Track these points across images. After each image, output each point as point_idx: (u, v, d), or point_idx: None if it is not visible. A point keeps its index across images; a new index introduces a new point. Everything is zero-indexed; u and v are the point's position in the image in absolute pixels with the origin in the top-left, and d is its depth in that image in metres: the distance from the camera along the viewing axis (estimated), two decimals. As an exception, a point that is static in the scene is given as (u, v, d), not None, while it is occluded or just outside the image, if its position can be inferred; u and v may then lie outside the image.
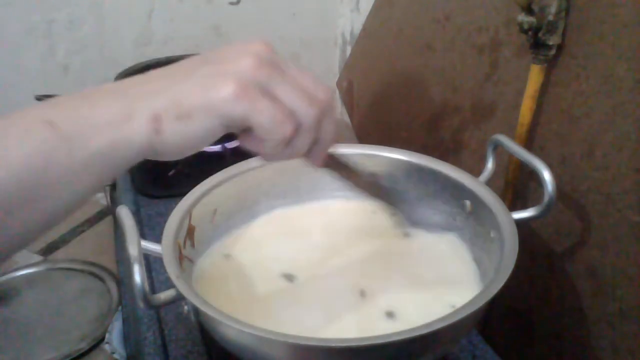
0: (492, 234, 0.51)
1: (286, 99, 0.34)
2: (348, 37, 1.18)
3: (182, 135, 0.32)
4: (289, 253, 0.58)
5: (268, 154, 0.36)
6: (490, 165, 0.58)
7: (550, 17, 0.53)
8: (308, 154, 0.39)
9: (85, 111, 0.32)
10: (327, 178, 0.64)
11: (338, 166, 0.46)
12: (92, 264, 0.89)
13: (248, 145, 0.35)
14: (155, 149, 0.33)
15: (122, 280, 0.78)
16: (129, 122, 0.32)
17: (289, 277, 0.53)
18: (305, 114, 0.34)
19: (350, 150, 0.64)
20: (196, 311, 0.42)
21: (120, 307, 0.74)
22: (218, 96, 0.31)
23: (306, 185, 0.64)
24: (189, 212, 0.53)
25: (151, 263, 0.66)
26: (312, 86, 0.36)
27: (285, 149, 0.35)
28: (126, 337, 0.69)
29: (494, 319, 0.66)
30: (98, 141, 0.32)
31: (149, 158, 0.34)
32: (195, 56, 0.35)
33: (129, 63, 0.95)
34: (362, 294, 0.51)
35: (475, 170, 0.58)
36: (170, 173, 0.82)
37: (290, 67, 0.36)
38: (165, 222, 0.50)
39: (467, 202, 0.56)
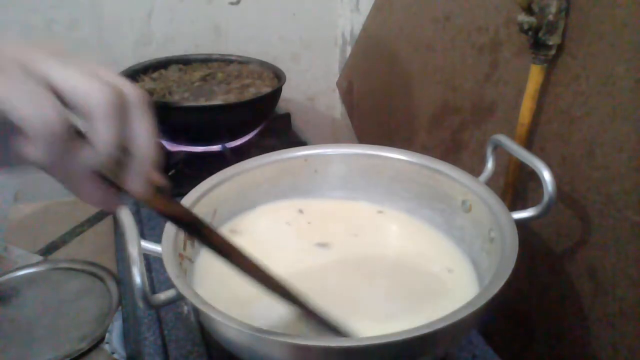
0: (492, 234, 0.51)
1: (60, 78, 0.26)
2: (348, 37, 1.18)
3: None
4: (290, 252, 0.58)
5: (44, 159, 0.27)
6: (490, 165, 0.58)
7: (550, 17, 0.53)
8: (120, 174, 0.30)
9: None
10: (327, 178, 0.65)
11: (177, 213, 0.35)
12: (92, 264, 0.89)
13: (18, 148, 0.26)
14: None
15: (122, 280, 0.78)
16: None
17: (290, 277, 0.53)
18: (91, 96, 0.27)
19: (350, 150, 0.64)
20: (196, 311, 0.42)
21: (120, 307, 0.74)
22: None
23: (306, 184, 0.64)
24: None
25: (151, 263, 0.66)
26: (109, 75, 0.29)
27: (77, 154, 0.27)
28: (126, 337, 0.69)
29: (494, 319, 0.66)
30: None
31: None
32: None
33: (129, 63, 0.95)
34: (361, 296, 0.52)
35: (475, 170, 0.58)
36: (170, 173, 0.82)
37: (82, 58, 0.29)
38: (165, 222, 0.50)
39: (467, 202, 0.56)
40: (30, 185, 1.05)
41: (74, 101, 0.27)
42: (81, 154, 0.28)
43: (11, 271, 0.88)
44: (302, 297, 0.42)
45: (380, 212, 0.63)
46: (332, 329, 0.43)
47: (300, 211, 0.63)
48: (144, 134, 0.29)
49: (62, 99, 0.27)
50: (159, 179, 0.32)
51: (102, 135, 0.27)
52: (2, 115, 0.26)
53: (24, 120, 0.25)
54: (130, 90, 0.29)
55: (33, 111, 0.25)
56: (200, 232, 0.37)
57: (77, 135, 0.28)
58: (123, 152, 0.29)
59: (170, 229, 0.50)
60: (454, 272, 0.54)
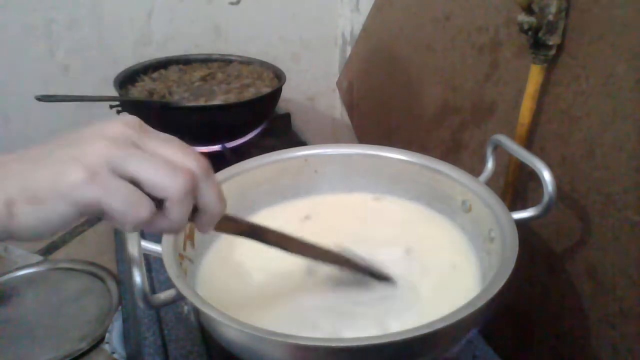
0: (492, 234, 0.51)
1: (143, 175, 0.32)
2: (348, 37, 1.18)
3: (36, 220, 0.31)
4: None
5: (134, 229, 0.34)
6: (490, 165, 0.58)
7: (550, 17, 0.53)
8: (194, 223, 0.37)
9: None
10: (327, 178, 0.65)
11: (240, 229, 0.43)
12: (92, 264, 0.89)
13: (114, 225, 0.33)
14: (10, 231, 0.31)
15: (122, 280, 0.78)
16: None
17: (290, 277, 0.53)
18: (167, 187, 0.32)
19: (350, 150, 0.64)
20: (196, 311, 0.42)
21: (120, 307, 0.74)
22: (67, 182, 0.31)
23: (306, 185, 0.65)
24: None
25: (151, 263, 0.66)
26: (178, 155, 0.34)
27: (156, 224, 0.34)
28: (126, 337, 0.69)
29: (494, 319, 0.66)
30: None
31: (6, 239, 0.32)
32: (54, 138, 0.34)
33: (129, 63, 0.95)
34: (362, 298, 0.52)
35: (475, 170, 0.58)
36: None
37: (152, 140, 0.34)
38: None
39: (467, 202, 0.56)
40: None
41: (155, 193, 0.33)
42: (159, 223, 0.34)
43: (11, 271, 0.88)
44: (348, 257, 0.50)
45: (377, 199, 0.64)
46: (378, 276, 0.51)
47: (301, 211, 0.63)
48: (211, 198, 0.35)
49: (143, 189, 0.33)
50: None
51: (176, 214, 0.33)
52: (100, 211, 0.31)
53: (123, 216, 0.32)
54: (199, 165, 0.35)
55: (127, 209, 0.31)
56: (260, 237, 0.44)
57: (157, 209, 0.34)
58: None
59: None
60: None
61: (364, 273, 0.51)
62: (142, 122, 0.35)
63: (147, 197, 0.32)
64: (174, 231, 0.35)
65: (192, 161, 0.34)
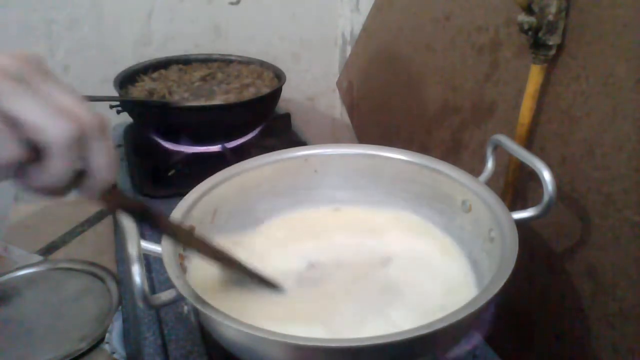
0: (492, 234, 0.51)
1: (19, 113, 0.28)
2: (348, 37, 1.18)
3: None
4: (289, 252, 0.58)
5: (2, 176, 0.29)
6: (490, 165, 0.58)
7: (550, 17, 0.53)
8: (78, 187, 0.32)
9: None
10: (327, 178, 0.65)
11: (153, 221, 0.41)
12: (92, 264, 0.89)
13: None
14: None
15: (122, 280, 0.78)
16: None
17: (290, 277, 0.53)
18: (47, 130, 0.28)
19: (350, 150, 0.64)
20: (196, 311, 0.42)
21: (120, 307, 0.74)
22: None
23: (306, 184, 0.64)
24: (189, 212, 0.53)
25: (151, 263, 0.66)
26: (71, 102, 0.30)
27: (32, 176, 0.29)
28: (126, 337, 0.69)
29: (494, 319, 0.66)
30: None
31: None
32: None
33: (129, 63, 0.95)
34: (362, 295, 0.52)
35: (475, 170, 0.58)
36: (170, 173, 0.82)
37: (46, 81, 0.30)
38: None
39: (467, 202, 0.56)
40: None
41: (32, 135, 0.28)
42: (35, 176, 0.29)
43: (11, 271, 0.88)
44: (241, 262, 0.49)
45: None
46: (268, 284, 0.50)
47: (300, 210, 0.63)
48: (100, 162, 0.31)
49: (19, 130, 0.28)
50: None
51: (55, 167, 0.29)
52: None
53: None
54: (93, 118, 0.30)
55: None
56: (150, 218, 0.40)
57: (35, 156, 0.29)
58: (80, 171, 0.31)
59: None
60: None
61: (252, 278, 0.50)
62: (42, 61, 0.31)
63: (17, 138, 0.28)
64: (54, 191, 0.31)
65: (85, 112, 0.30)
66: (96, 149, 0.30)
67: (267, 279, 0.50)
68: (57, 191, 0.31)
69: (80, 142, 0.29)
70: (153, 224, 0.41)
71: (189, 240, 0.46)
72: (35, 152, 0.29)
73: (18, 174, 0.29)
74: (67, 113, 0.29)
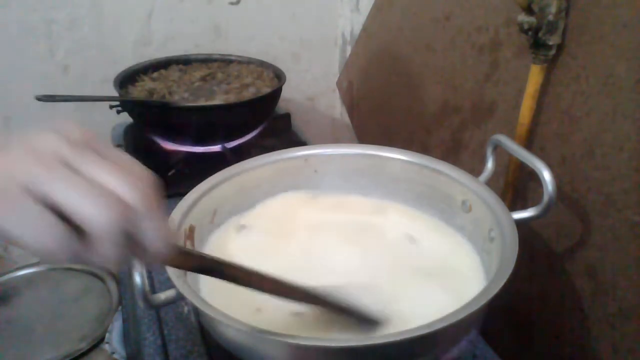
0: (492, 234, 0.51)
1: (63, 201, 0.27)
2: (348, 37, 1.18)
3: None
4: (290, 253, 0.57)
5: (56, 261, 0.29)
6: (490, 165, 0.58)
7: (550, 17, 0.53)
8: (137, 258, 0.31)
9: None
10: (327, 178, 0.65)
11: (194, 264, 0.37)
12: (92, 264, 0.89)
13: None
14: None
15: (122, 280, 0.78)
16: None
17: (290, 277, 0.53)
18: (91, 219, 0.27)
19: (350, 150, 0.64)
20: (196, 311, 0.42)
21: (120, 307, 0.74)
22: None
23: (306, 184, 0.65)
24: (189, 212, 0.53)
25: (151, 263, 0.66)
26: (117, 182, 0.28)
27: (86, 258, 0.28)
28: (126, 337, 0.69)
29: (494, 319, 0.66)
30: None
31: None
32: None
33: (129, 63, 0.95)
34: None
35: (475, 170, 0.58)
36: (170, 173, 0.82)
37: (89, 159, 0.28)
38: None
39: (467, 202, 0.56)
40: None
41: (78, 223, 0.27)
42: (89, 256, 0.28)
43: (11, 271, 0.88)
44: (328, 297, 0.44)
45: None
46: (365, 318, 0.45)
47: (300, 211, 0.63)
48: (152, 239, 0.29)
49: (64, 217, 0.27)
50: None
51: (104, 251, 0.28)
52: (4, 235, 0.27)
53: (25, 244, 0.27)
54: (141, 196, 0.28)
55: (30, 238, 0.27)
56: (219, 272, 0.38)
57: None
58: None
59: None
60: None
61: (341, 313, 0.45)
62: (84, 133, 0.30)
63: (62, 227, 0.27)
64: (113, 266, 0.30)
65: (132, 191, 0.28)
66: (145, 228, 0.29)
67: (365, 315, 0.45)
68: (115, 266, 0.30)
69: (126, 227, 0.28)
70: (223, 276, 0.38)
71: (265, 284, 0.41)
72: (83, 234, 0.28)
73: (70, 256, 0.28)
74: (111, 198, 0.27)
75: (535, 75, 0.57)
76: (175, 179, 0.81)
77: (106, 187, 0.28)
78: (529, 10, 0.54)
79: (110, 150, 0.30)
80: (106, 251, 0.28)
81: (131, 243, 0.29)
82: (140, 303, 0.40)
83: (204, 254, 0.38)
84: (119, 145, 0.95)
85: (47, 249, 0.27)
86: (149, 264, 0.32)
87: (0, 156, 0.28)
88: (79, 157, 0.28)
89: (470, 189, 0.56)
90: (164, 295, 0.43)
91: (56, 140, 0.28)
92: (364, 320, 0.45)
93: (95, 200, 0.27)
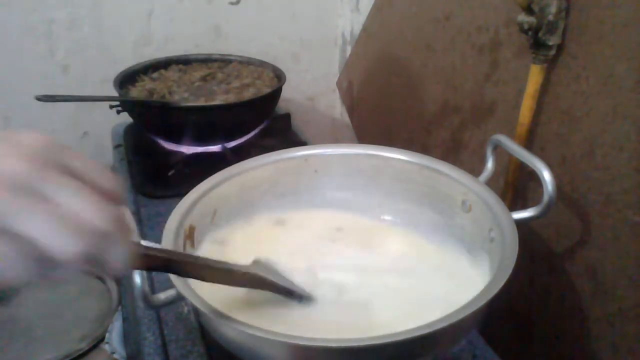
0: (492, 234, 0.51)
1: (29, 234, 0.26)
2: (348, 37, 1.18)
3: None
4: (289, 253, 0.57)
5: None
6: (490, 165, 0.58)
7: (550, 17, 0.53)
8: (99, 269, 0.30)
9: None
10: (327, 178, 0.65)
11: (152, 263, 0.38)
12: (92, 264, 0.89)
13: None
14: None
15: (122, 280, 0.78)
16: None
17: (289, 276, 0.53)
18: (60, 252, 0.26)
19: (350, 150, 0.64)
20: (196, 311, 0.42)
21: (120, 307, 0.74)
22: None
23: (306, 184, 0.64)
24: (189, 212, 0.53)
25: (151, 263, 0.66)
26: (84, 205, 0.27)
27: (59, 276, 0.28)
28: (126, 337, 0.69)
29: (494, 319, 0.66)
30: None
31: None
32: None
33: (129, 63, 0.95)
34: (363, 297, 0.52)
35: (475, 170, 0.58)
36: (170, 173, 0.82)
37: (55, 181, 0.27)
38: (165, 222, 0.50)
39: (467, 202, 0.56)
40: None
41: (40, 252, 0.27)
42: (50, 272, 0.28)
43: (11, 271, 0.88)
44: (269, 279, 0.47)
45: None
46: (298, 296, 0.49)
47: (300, 211, 0.63)
48: (116, 262, 0.29)
49: (27, 246, 0.27)
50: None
51: (67, 270, 0.28)
52: None
53: None
54: (103, 228, 0.28)
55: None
56: (177, 270, 0.40)
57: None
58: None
59: (170, 228, 0.50)
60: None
61: (281, 293, 0.48)
62: (50, 147, 0.29)
63: (28, 258, 0.27)
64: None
65: (97, 212, 0.28)
66: (109, 251, 0.28)
67: (298, 291, 0.49)
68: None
69: (91, 252, 0.28)
70: (181, 274, 0.40)
71: (218, 277, 0.43)
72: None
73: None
74: (77, 227, 0.27)
75: (535, 75, 0.57)
76: (175, 179, 0.81)
77: (71, 214, 0.27)
78: (529, 10, 0.54)
79: (73, 160, 0.29)
80: (69, 270, 0.28)
81: (95, 262, 0.28)
82: (140, 303, 0.40)
83: (162, 254, 0.38)
84: (119, 145, 0.95)
85: (17, 278, 0.27)
86: (112, 274, 0.32)
87: None
88: (40, 180, 0.27)
89: (470, 189, 0.56)
90: (164, 296, 0.43)
91: (15, 161, 0.27)
92: (297, 297, 0.49)
93: (61, 231, 0.26)
